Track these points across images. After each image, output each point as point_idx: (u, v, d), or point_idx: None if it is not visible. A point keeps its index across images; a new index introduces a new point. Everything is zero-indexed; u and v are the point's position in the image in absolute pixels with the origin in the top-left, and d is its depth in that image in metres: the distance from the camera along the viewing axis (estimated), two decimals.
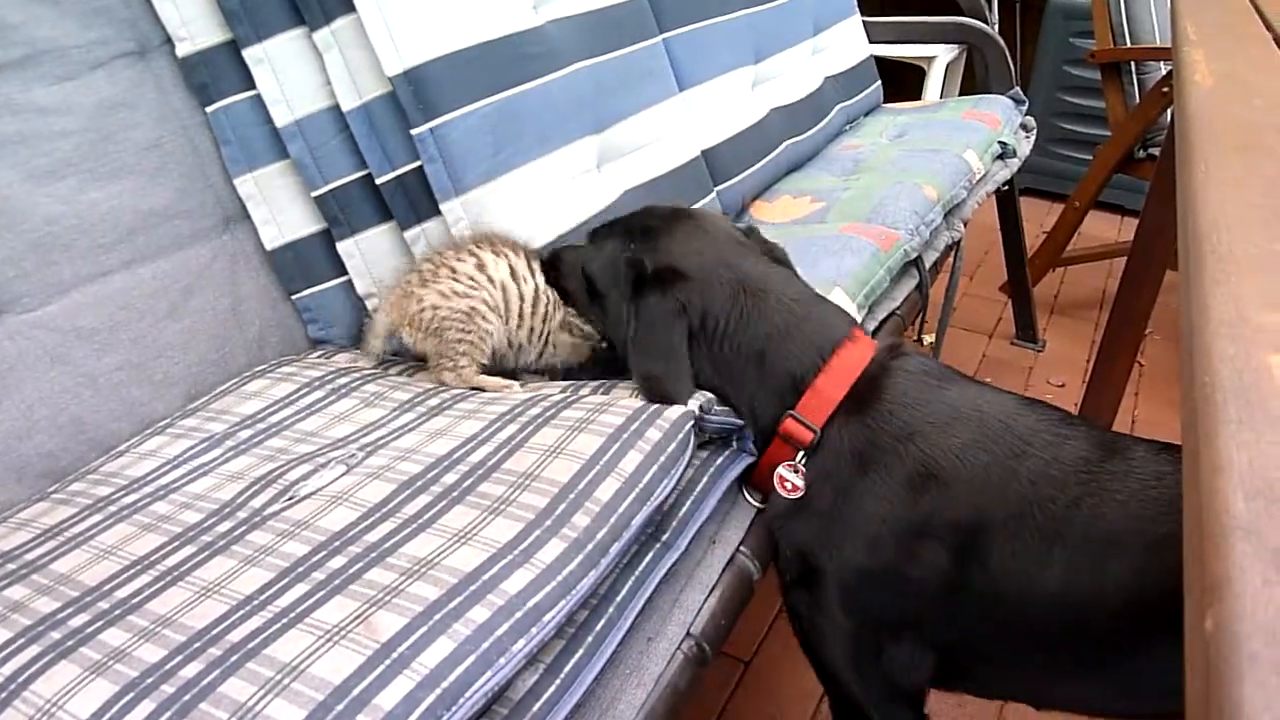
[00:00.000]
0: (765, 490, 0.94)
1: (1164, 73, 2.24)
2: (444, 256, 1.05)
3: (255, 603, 0.67)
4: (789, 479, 0.90)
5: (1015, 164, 1.84)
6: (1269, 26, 1.10)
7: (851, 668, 0.91)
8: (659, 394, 0.90)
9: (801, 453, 0.90)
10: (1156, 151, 2.22)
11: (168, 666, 0.62)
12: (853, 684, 0.92)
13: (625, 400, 0.89)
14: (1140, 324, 1.69)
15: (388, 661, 0.59)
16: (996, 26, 2.83)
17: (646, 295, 0.93)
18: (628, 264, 0.97)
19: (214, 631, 0.65)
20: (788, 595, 0.94)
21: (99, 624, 0.69)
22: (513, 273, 1.04)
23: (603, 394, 0.93)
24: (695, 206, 1.08)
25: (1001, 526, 0.78)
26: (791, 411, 0.90)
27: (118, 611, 0.70)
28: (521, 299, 1.04)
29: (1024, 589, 0.78)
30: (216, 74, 1.16)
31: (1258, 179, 0.54)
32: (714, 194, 1.51)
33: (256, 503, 0.82)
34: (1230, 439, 0.29)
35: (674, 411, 0.87)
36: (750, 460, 0.96)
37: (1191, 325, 0.39)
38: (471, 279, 1.02)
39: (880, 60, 2.19)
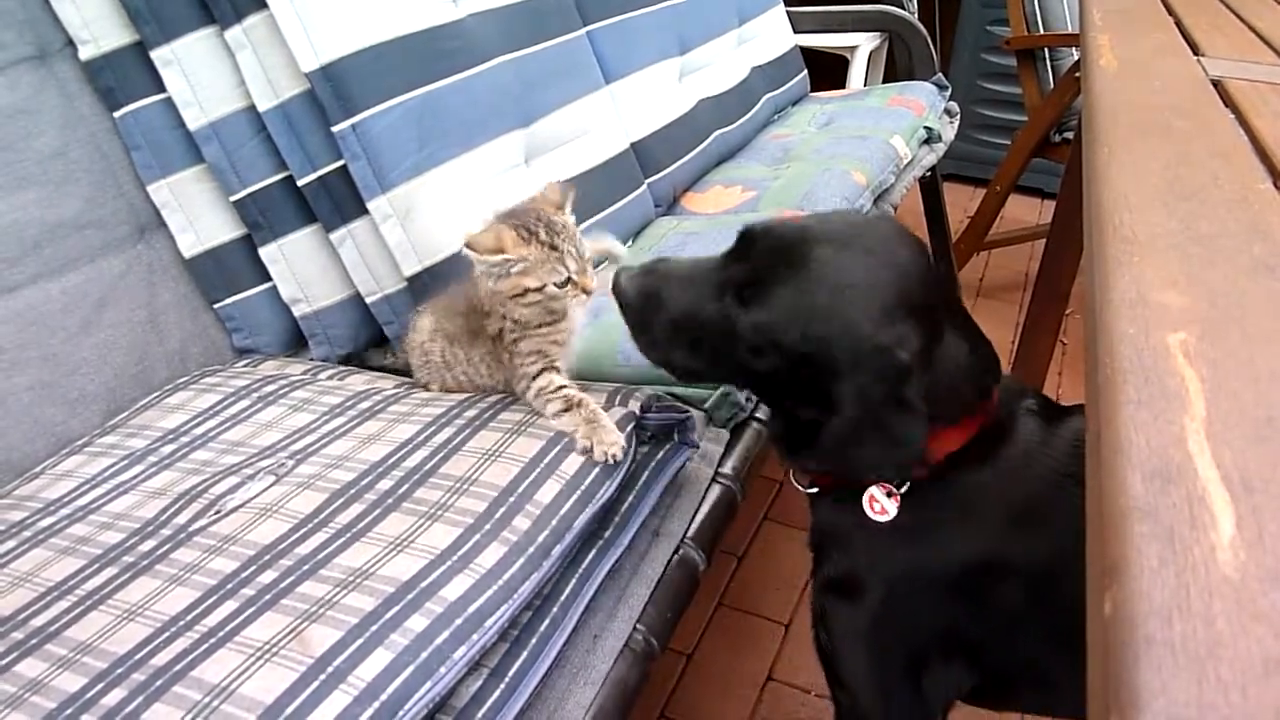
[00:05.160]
0: (818, 483, 0.89)
1: (1076, 58, 2.30)
2: None
3: (181, 623, 0.65)
4: (881, 502, 0.83)
5: (941, 148, 1.87)
6: (1170, 11, 1.14)
7: (871, 682, 0.88)
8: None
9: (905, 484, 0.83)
10: (1071, 135, 2.29)
11: (88, 695, 0.60)
12: (867, 696, 0.89)
13: None
14: (1061, 304, 1.74)
15: (322, 677, 0.57)
16: (916, 15, 2.88)
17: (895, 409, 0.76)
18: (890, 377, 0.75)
19: (138, 656, 0.62)
20: (818, 595, 0.90)
21: (14, 655, 0.66)
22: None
23: None
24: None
25: (1077, 560, 0.77)
26: None
27: (34, 641, 0.67)
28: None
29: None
30: (123, 77, 1.12)
31: (1157, 160, 0.56)
32: (645, 186, 1.51)
33: (181, 519, 0.80)
34: (1129, 420, 0.30)
35: (614, 413, 0.87)
36: (691, 452, 0.96)
37: (1095, 305, 0.40)
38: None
39: (804, 50, 2.21)
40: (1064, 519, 0.78)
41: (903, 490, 0.82)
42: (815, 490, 0.88)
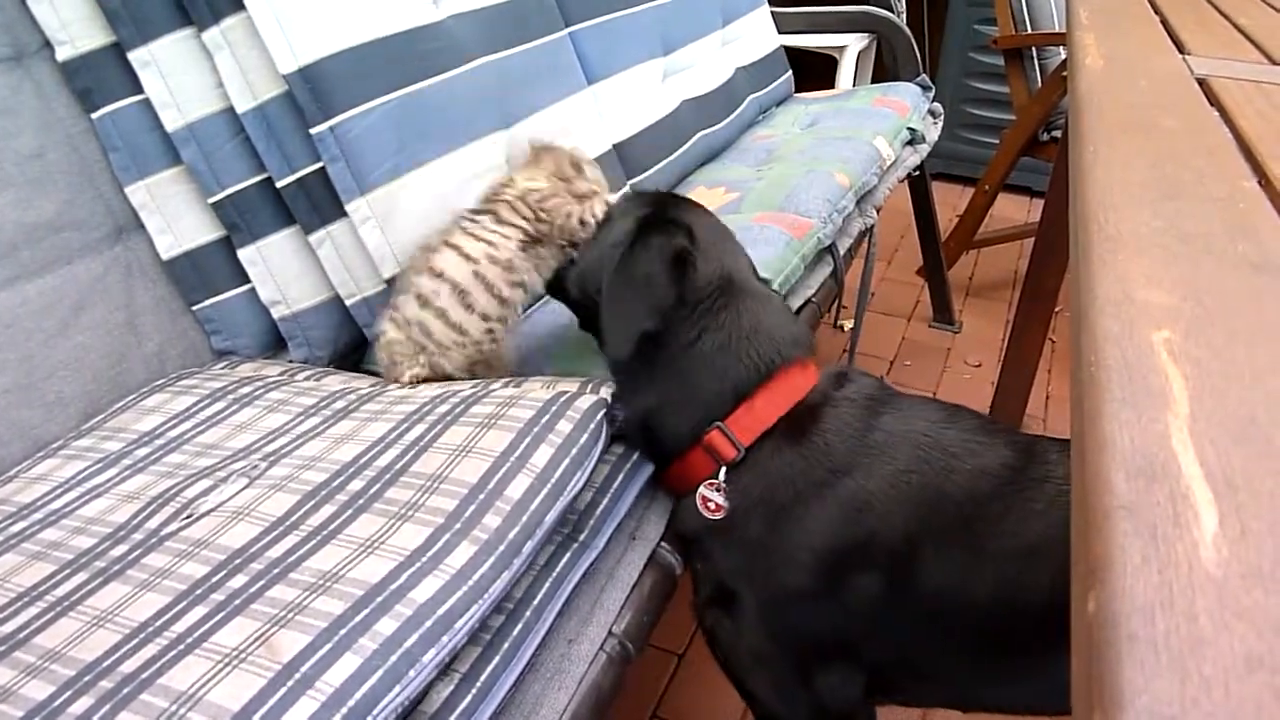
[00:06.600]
0: (672, 492, 0.92)
1: (1063, 57, 2.31)
2: None
3: (150, 629, 0.63)
4: (712, 499, 0.85)
5: (924, 149, 1.87)
6: (1156, 9, 1.14)
7: (773, 691, 0.89)
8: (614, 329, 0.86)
9: (723, 469, 0.85)
10: (1059, 134, 2.30)
11: (55, 704, 0.58)
12: (775, 706, 0.90)
13: (535, 393, 0.87)
14: (1050, 302, 1.74)
15: (290, 683, 0.56)
16: (904, 15, 2.89)
17: (648, 235, 0.88)
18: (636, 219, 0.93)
19: (106, 663, 0.61)
20: (702, 613, 0.91)
21: None
22: None
23: (513, 387, 0.91)
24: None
25: (932, 547, 0.78)
26: (720, 424, 0.85)
27: (2, 648, 0.66)
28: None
29: (953, 604, 0.78)
30: (101, 78, 1.10)
31: (1142, 158, 0.55)
32: (627, 188, 1.50)
33: (153, 523, 0.78)
34: (1113, 418, 0.29)
35: (585, 401, 0.85)
36: None
37: (1080, 304, 0.39)
38: None
39: (792, 50, 2.21)
40: (894, 506, 0.79)
41: (722, 479, 0.85)
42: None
